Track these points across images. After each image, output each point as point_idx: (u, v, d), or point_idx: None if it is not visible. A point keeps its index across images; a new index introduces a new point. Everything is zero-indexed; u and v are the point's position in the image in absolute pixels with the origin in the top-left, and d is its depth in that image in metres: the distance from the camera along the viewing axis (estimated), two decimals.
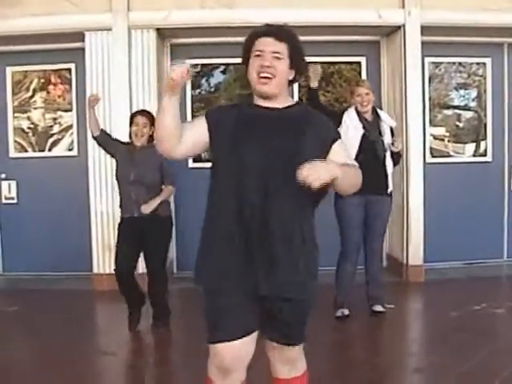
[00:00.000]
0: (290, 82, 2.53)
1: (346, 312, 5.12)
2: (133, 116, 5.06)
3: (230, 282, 2.38)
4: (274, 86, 2.42)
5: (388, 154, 5.02)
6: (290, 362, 2.57)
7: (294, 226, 2.41)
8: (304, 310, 2.50)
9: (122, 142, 5.11)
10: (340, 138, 2.52)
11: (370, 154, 4.91)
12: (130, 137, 5.05)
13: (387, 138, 5.01)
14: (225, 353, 2.41)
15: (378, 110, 5.21)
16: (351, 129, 4.96)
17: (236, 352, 2.41)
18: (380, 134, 5.01)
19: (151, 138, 5.02)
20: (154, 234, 4.87)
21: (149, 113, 5.06)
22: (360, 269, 5.24)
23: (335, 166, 2.27)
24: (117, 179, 5.01)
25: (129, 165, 4.89)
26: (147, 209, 4.76)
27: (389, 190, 5.08)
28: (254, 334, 2.46)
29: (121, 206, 5.00)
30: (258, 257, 2.35)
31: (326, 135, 2.48)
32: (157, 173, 4.89)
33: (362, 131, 4.97)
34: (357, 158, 4.92)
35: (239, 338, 2.40)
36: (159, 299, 5.03)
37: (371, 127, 5.00)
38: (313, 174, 2.16)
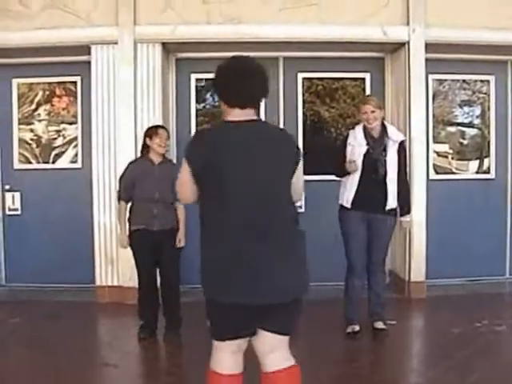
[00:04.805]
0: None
1: (357, 328, 5.12)
2: (155, 129, 5.14)
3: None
4: None
5: (391, 173, 4.98)
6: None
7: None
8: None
9: (132, 163, 5.18)
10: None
11: (372, 171, 4.93)
12: (143, 150, 5.15)
13: (390, 156, 5.00)
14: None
15: (388, 126, 5.15)
16: (356, 147, 4.99)
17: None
18: (384, 150, 5.01)
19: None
20: (171, 247, 4.98)
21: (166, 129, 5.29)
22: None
23: None
24: (135, 197, 5.01)
25: (151, 184, 4.94)
26: (183, 242, 5.02)
27: (387, 208, 5.02)
28: None
29: (131, 219, 5.04)
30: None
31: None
32: (173, 189, 4.98)
33: (365, 149, 4.98)
34: (361, 176, 4.95)
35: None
36: (175, 310, 5.10)
37: (376, 144, 5.00)
38: None
